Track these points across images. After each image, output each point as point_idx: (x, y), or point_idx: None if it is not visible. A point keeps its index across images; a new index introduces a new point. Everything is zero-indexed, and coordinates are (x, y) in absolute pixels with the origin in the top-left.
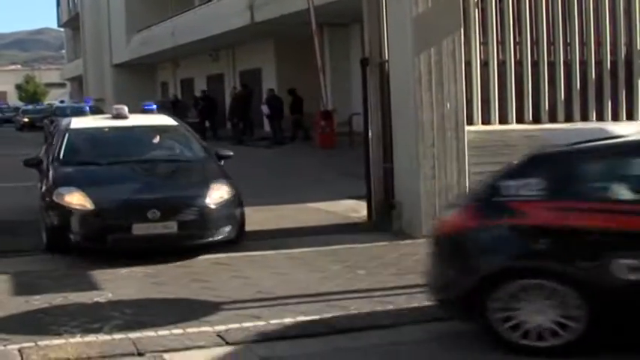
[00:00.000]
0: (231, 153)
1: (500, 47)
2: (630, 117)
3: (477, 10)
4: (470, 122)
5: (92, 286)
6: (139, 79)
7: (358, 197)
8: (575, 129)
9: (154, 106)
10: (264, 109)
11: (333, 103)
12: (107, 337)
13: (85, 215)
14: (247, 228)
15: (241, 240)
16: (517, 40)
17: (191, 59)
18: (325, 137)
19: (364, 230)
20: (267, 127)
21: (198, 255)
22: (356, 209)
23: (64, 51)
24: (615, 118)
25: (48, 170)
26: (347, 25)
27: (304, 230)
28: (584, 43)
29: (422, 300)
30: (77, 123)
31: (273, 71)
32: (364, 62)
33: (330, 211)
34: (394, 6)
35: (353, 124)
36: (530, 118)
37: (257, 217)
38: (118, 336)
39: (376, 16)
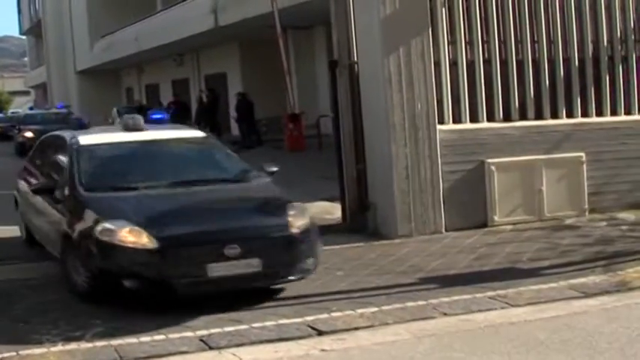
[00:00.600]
0: (276, 168)
1: (468, 47)
2: (600, 114)
3: (444, 10)
4: (441, 121)
5: (72, 294)
6: (104, 85)
7: (331, 199)
8: None
9: (165, 116)
10: (233, 112)
11: (301, 106)
12: (89, 345)
13: (145, 255)
14: None
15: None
16: (485, 39)
17: (156, 64)
18: (294, 140)
19: (339, 232)
20: (235, 131)
21: None
22: (330, 211)
23: (26, 59)
24: (585, 115)
25: (71, 198)
26: (311, 27)
27: None
28: (551, 41)
29: (403, 300)
30: (87, 139)
31: (239, 75)
32: (333, 64)
33: None
34: (362, 7)
35: (321, 126)
36: (501, 116)
37: None
38: (99, 343)
39: (344, 17)
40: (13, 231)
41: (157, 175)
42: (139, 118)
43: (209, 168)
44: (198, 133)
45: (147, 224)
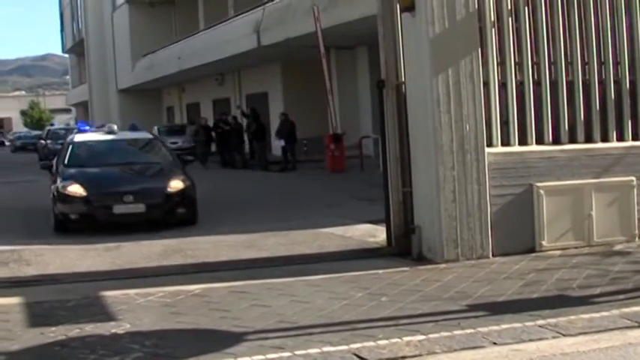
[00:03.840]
0: None
1: (517, 68)
2: None
3: (493, 31)
4: (489, 144)
5: (109, 317)
6: (145, 104)
7: (375, 221)
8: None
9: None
10: (278, 141)
11: (342, 126)
12: None
13: None
14: (260, 254)
15: None
16: (535, 60)
17: (197, 84)
18: (335, 161)
19: (384, 255)
20: (275, 151)
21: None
22: (373, 234)
23: (68, 77)
24: (636, 138)
25: None
26: (353, 48)
27: (322, 256)
28: (602, 63)
29: (450, 328)
30: None
31: (280, 94)
32: (380, 84)
33: (346, 236)
34: (410, 27)
35: (363, 147)
36: (550, 139)
37: (270, 243)
38: None
39: (392, 37)
40: None
41: None
42: None
43: None
44: None
45: None
